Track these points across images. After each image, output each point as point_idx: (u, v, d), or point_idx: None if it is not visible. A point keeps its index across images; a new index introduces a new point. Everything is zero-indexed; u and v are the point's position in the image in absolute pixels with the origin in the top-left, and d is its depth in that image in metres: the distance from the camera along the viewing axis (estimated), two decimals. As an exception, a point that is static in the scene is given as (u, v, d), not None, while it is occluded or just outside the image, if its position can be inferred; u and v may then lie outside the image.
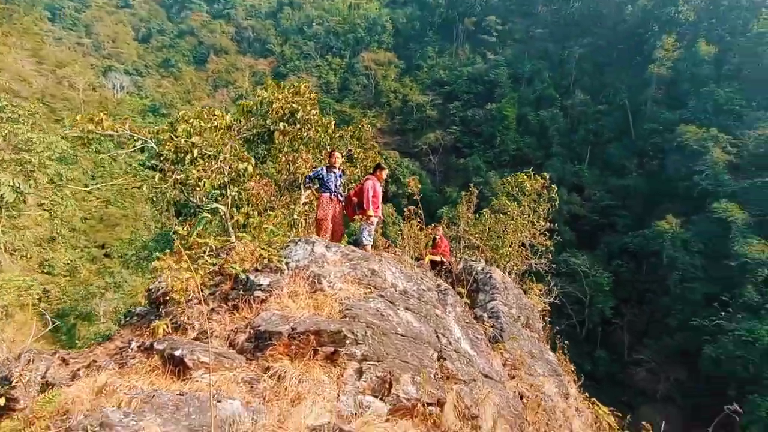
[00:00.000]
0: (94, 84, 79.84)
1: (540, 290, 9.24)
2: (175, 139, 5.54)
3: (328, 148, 7.93)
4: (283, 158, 7.24)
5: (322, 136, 7.82)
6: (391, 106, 78.55)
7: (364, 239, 5.77)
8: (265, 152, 7.63)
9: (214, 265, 4.49)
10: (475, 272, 6.57)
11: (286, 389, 3.23)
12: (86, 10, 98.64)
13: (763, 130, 49.70)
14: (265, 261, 4.40)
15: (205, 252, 4.56)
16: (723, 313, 32.23)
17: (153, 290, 5.46)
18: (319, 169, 6.28)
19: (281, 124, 6.75)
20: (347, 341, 3.58)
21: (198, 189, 5.67)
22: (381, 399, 3.61)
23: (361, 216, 5.96)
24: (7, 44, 57.19)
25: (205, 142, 5.67)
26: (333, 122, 8.10)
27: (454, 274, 6.64)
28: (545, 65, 75.76)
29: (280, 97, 6.72)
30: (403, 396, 3.66)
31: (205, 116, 5.93)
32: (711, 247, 40.10)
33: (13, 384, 3.84)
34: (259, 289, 4.23)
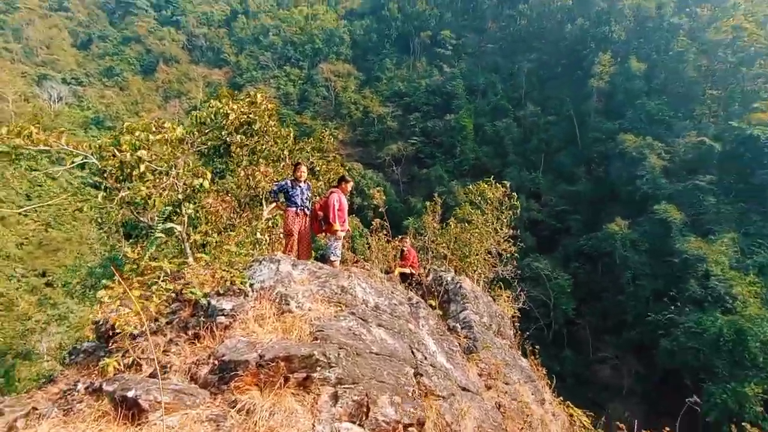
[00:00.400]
0: (26, 94, 73.23)
1: (508, 297, 9.42)
2: (119, 153, 5.07)
3: (288, 161, 7.66)
4: (242, 172, 6.88)
5: (281, 148, 7.55)
6: (352, 118, 78.91)
7: (331, 255, 5.56)
8: (223, 166, 7.23)
9: (170, 290, 4.11)
10: (445, 283, 6.56)
11: (256, 424, 2.96)
12: (14, 12, 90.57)
13: (689, 138, 55.24)
14: (228, 283, 4.08)
15: (159, 277, 4.16)
16: (673, 308, 34.60)
17: (101, 322, 4.93)
18: (283, 182, 6.02)
19: (238, 136, 6.43)
20: (320, 365, 3.37)
21: (148, 208, 5.21)
22: (359, 424, 3.42)
23: (326, 231, 5.76)
24: None
25: (153, 156, 5.24)
26: (292, 133, 7.86)
27: (424, 285, 6.59)
28: (497, 78, 79.80)
29: (235, 107, 6.40)
30: (382, 419, 3.48)
31: (154, 128, 5.50)
32: (656, 246, 43.36)
33: None
34: (222, 315, 3.91)
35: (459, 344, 5.78)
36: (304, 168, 5.99)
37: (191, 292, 3.94)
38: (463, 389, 5.13)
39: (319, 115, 79.93)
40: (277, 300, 4.00)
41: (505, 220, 11.09)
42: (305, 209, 5.92)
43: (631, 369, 38.14)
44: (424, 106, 77.42)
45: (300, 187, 5.93)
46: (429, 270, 7.47)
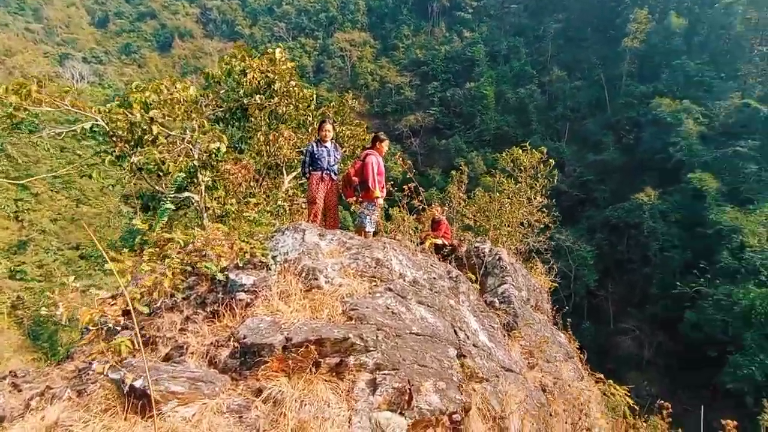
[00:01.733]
0: (49, 74, 74.40)
1: (542, 269, 8.82)
2: (129, 114, 4.62)
3: (311, 125, 7.05)
4: (262, 138, 6.35)
5: (303, 111, 6.94)
6: (369, 89, 76.76)
7: (366, 224, 5.03)
8: (241, 131, 6.73)
9: (184, 264, 3.71)
10: (482, 254, 6.01)
11: (284, 416, 2.57)
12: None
13: (732, 100, 51.10)
14: (247, 256, 3.65)
15: (173, 249, 3.77)
16: (702, 280, 33.33)
17: (117, 298, 4.66)
18: (309, 145, 5.42)
19: (257, 96, 5.85)
20: (356, 349, 2.92)
21: (162, 175, 4.80)
22: (400, 413, 3.00)
23: (364, 198, 5.17)
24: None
25: (167, 118, 4.77)
26: (315, 94, 7.22)
27: (461, 257, 6.06)
28: (521, 42, 75.23)
29: (254, 65, 5.79)
30: (426, 408, 3.06)
31: (165, 89, 5.00)
32: (688, 217, 41.34)
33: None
34: (242, 291, 3.50)
35: (499, 320, 5.29)
36: (328, 126, 5.33)
37: (206, 267, 3.54)
38: (507, 370, 4.68)
39: (336, 86, 77.93)
40: (304, 274, 3.56)
41: (539, 189, 10.31)
42: (331, 173, 5.33)
43: (653, 341, 37.52)
44: (442, 74, 74.27)
45: (326, 147, 5.29)
46: (464, 240, 6.92)
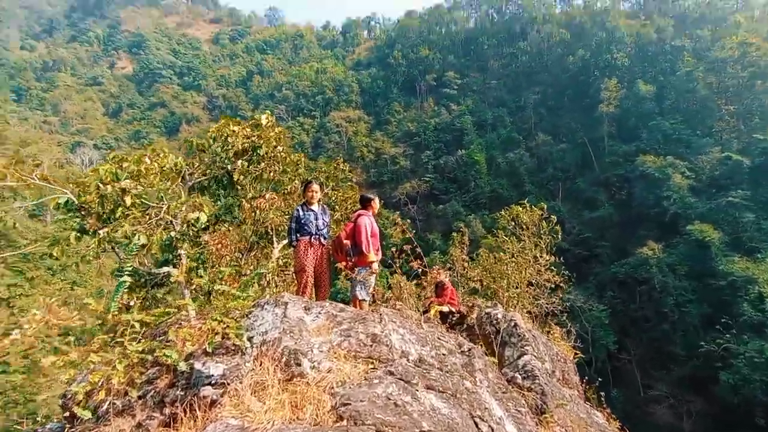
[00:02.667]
0: (60, 161, 77.63)
1: (561, 334, 7.97)
2: (101, 186, 4.32)
3: (300, 190, 6.78)
4: (247, 205, 6.04)
5: (292, 177, 6.74)
6: (365, 160, 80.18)
7: (360, 292, 4.44)
8: (230, 200, 6.44)
9: (142, 351, 3.07)
10: (495, 321, 5.30)
11: None
12: (54, 89, 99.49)
13: (712, 154, 53.29)
14: (218, 338, 3.03)
15: (129, 335, 3.15)
16: (728, 335, 31.26)
17: (67, 397, 3.92)
18: (295, 209, 5.04)
19: (240, 162, 5.65)
20: (349, 463, 2.19)
21: (131, 247, 4.33)
22: None
23: (357, 263, 4.63)
24: (-34, 127, 55.94)
25: (141, 189, 4.45)
26: (303, 158, 7.08)
27: (472, 325, 5.35)
28: (505, 111, 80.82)
29: (237, 130, 5.69)
30: None
31: (148, 160, 4.78)
32: (696, 269, 40.37)
33: None
34: (209, 384, 2.82)
35: (525, 402, 4.43)
36: (315, 186, 4.99)
37: (165, 355, 2.89)
38: (543, 470, 3.76)
39: (333, 159, 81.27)
40: (284, 359, 2.90)
41: (544, 247, 9.83)
42: (321, 238, 4.84)
43: (691, 408, 33.98)
44: (434, 143, 78.28)
45: (313, 211, 4.89)
46: (473, 306, 6.23)
